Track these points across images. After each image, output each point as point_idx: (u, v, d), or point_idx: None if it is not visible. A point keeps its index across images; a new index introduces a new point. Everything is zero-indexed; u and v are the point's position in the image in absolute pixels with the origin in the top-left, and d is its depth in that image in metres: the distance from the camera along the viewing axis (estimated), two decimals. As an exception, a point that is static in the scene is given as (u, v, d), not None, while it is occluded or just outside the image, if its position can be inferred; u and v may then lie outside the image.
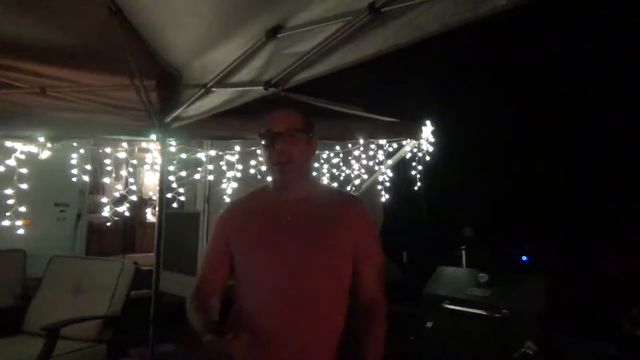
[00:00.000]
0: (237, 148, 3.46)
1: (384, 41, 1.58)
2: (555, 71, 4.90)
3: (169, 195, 3.37)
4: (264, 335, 1.38)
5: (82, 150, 3.24)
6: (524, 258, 4.06)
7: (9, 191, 2.89)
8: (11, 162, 2.88)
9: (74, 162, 3.23)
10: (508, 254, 4.15)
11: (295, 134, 1.48)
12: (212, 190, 5.19)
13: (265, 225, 1.50)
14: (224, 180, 3.51)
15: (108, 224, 3.57)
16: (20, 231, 2.97)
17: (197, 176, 3.71)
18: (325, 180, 3.85)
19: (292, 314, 1.40)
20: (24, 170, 2.92)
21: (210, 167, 3.55)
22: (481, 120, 5.26)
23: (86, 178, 3.33)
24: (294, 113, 1.53)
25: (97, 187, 6.81)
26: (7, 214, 2.90)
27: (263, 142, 1.50)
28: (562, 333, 3.06)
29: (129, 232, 7.46)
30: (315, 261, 1.43)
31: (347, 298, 1.50)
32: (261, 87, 2.15)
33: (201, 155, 3.56)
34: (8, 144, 2.91)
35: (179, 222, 5.37)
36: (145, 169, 6.73)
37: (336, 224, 1.48)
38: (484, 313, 3.12)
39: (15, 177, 2.89)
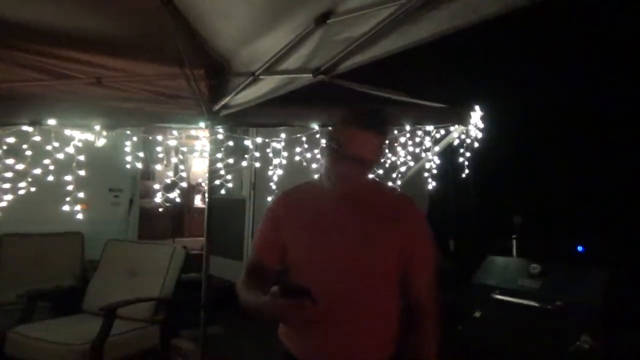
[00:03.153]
0: (283, 135, 3.48)
1: (439, 24, 1.52)
2: (618, 56, 4.57)
3: (217, 182, 3.43)
4: (315, 327, 1.37)
5: (134, 138, 3.34)
6: (580, 248, 3.88)
7: (68, 177, 3.04)
8: (70, 149, 3.02)
9: (127, 149, 3.34)
10: (562, 244, 3.98)
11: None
12: (258, 177, 5.26)
13: (316, 223, 1.51)
14: (270, 168, 3.54)
15: (160, 209, 3.68)
16: (79, 216, 3.12)
17: (244, 163, 3.76)
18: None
19: (339, 311, 1.41)
20: (81, 158, 3.05)
21: (257, 154, 3.59)
22: (532, 106, 5.03)
23: (139, 165, 3.44)
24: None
25: (148, 173, 7.05)
26: (67, 199, 3.05)
27: (333, 143, 1.41)
28: (619, 326, 2.92)
29: (178, 217, 7.69)
30: (363, 262, 1.45)
31: (398, 297, 1.53)
32: (309, 75, 2.13)
33: (248, 143, 3.60)
34: (67, 132, 3.05)
35: (225, 208, 5.48)
36: (193, 156, 6.90)
37: (389, 224, 1.49)
38: (536, 305, 3.02)
39: (74, 164, 3.03)
